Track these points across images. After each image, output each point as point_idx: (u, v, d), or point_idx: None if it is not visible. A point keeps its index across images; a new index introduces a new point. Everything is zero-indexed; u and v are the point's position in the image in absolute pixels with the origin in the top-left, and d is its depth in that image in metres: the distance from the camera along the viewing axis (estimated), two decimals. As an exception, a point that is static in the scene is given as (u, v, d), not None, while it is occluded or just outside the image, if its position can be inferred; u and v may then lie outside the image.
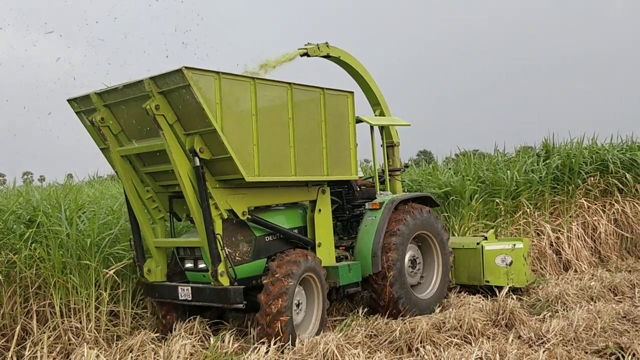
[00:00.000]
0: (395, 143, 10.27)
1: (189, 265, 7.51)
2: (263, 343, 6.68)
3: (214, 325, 7.72)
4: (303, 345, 6.74)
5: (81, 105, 7.47)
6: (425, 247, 9.28)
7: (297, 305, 7.31)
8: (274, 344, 6.63)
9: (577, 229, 12.53)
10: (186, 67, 6.29)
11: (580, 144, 14.22)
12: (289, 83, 7.35)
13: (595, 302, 8.98)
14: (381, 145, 10.08)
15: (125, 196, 7.67)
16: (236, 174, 6.77)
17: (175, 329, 7.29)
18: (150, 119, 6.66)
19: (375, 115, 10.17)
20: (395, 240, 8.52)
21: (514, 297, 8.90)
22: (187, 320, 7.50)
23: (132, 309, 8.00)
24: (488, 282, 9.92)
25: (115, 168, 7.57)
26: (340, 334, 7.04)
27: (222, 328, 7.61)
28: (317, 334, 7.37)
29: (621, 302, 9.17)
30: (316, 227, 8.06)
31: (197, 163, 6.72)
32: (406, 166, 11.63)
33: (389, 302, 8.45)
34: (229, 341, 6.85)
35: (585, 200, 13.12)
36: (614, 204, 13.44)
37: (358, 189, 9.47)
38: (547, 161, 13.23)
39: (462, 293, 9.60)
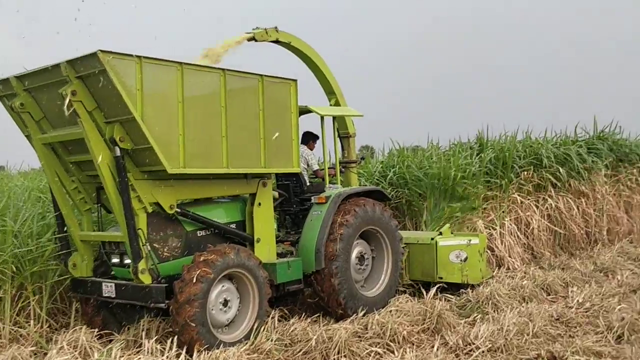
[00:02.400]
0: (350, 134, 9.88)
1: (115, 260, 7.12)
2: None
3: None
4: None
5: (3, 89, 7.03)
6: (375, 243, 8.91)
7: (224, 303, 6.93)
8: (186, 351, 6.28)
9: (510, 224, 12.21)
10: (102, 51, 5.87)
11: (514, 138, 13.94)
12: (222, 69, 6.93)
13: (527, 302, 8.65)
14: (338, 136, 9.70)
15: (50, 187, 7.26)
16: (159, 165, 6.36)
17: (58, 341, 6.65)
18: (69, 105, 6.24)
19: (331, 105, 9.76)
20: (344, 229, 8.16)
21: (444, 297, 8.64)
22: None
23: (12, 317, 7.33)
24: (442, 278, 9.57)
25: (38, 156, 7.15)
26: (244, 347, 6.62)
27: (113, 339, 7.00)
28: (248, 335, 7.01)
29: (554, 302, 8.91)
30: (255, 221, 7.67)
31: (118, 153, 6.32)
32: (362, 158, 11.21)
33: (330, 295, 8.10)
34: (116, 356, 6.15)
35: (519, 195, 12.81)
36: (547, 199, 13.20)
37: (308, 182, 9.08)
38: (481, 155, 12.85)
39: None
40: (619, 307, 8.12)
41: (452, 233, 10.11)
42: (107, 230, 7.38)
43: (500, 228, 11.89)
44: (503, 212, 12.22)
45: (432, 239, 9.71)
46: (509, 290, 8.96)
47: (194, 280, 6.48)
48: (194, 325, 6.43)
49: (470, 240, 9.76)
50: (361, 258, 8.66)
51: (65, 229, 7.33)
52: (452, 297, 8.94)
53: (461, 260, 9.62)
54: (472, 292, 8.99)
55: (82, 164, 7.09)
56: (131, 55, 6.10)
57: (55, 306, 7.75)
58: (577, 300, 8.60)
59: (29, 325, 7.29)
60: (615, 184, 15.11)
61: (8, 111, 7.17)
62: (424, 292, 8.50)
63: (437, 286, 8.69)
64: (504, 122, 18.49)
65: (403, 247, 9.35)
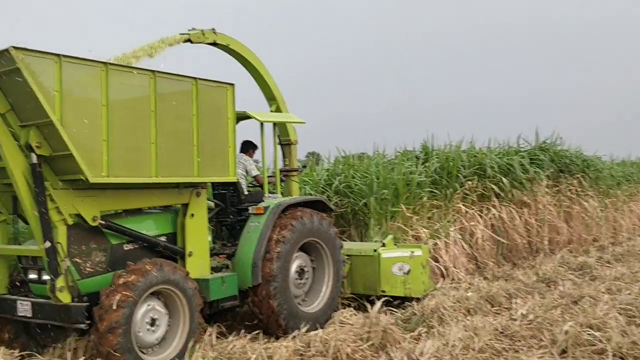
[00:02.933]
0: (291, 141, 9.52)
1: (32, 276, 6.54)
2: None
3: None
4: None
5: None
6: (315, 256, 8.54)
7: (152, 323, 6.43)
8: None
9: (455, 234, 12.08)
10: (15, 47, 5.34)
11: (458, 147, 13.97)
12: (152, 71, 6.46)
13: (472, 315, 8.45)
14: (279, 144, 9.31)
15: None
16: (79, 173, 5.84)
17: None
18: None
19: (272, 111, 9.36)
20: (279, 249, 7.75)
21: (389, 311, 8.38)
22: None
23: None
24: (384, 292, 9.26)
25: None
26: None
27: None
28: (182, 353, 6.53)
29: (499, 314, 8.73)
30: (187, 234, 7.19)
31: (34, 160, 5.78)
32: (304, 166, 10.88)
33: (269, 317, 7.69)
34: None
35: (463, 205, 12.72)
36: (491, 209, 13.23)
37: (246, 192, 8.65)
38: (426, 164, 12.80)
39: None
40: (562, 320, 7.96)
41: (395, 244, 9.83)
42: (24, 243, 6.79)
43: (445, 238, 11.74)
44: (448, 221, 12.08)
45: (375, 250, 9.40)
46: (454, 303, 8.76)
47: (114, 307, 5.97)
48: (118, 355, 5.92)
49: (413, 252, 9.50)
50: (301, 272, 8.28)
51: None
52: (396, 310, 8.68)
53: (404, 272, 9.36)
54: (417, 304, 8.74)
55: (-3, 171, 6.48)
56: (49, 53, 5.58)
57: None
58: (521, 313, 8.41)
59: None
60: (556, 194, 15.30)
61: None
62: (369, 306, 8.17)
63: (382, 299, 8.36)
64: (449, 131, 18.59)
65: (345, 259, 9.02)
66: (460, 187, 12.82)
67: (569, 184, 15.81)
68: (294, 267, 8.14)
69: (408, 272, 9.38)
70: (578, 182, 16.17)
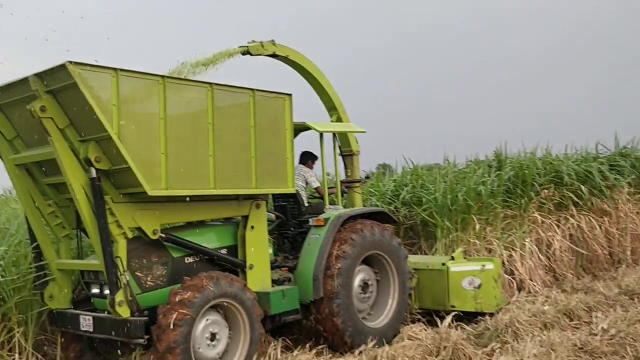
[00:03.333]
0: (353, 152, 9.33)
1: (94, 290, 6.55)
2: None
3: None
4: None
5: None
6: (379, 269, 8.29)
7: (212, 338, 6.33)
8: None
9: (531, 245, 11.48)
10: (71, 62, 5.35)
11: (533, 154, 13.32)
12: (210, 83, 6.40)
13: (549, 329, 8.00)
14: (339, 154, 9.16)
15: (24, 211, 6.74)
16: (138, 186, 5.81)
17: None
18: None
19: (332, 122, 9.21)
20: (341, 262, 7.55)
21: (459, 326, 8.00)
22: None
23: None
24: (454, 307, 8.91)
25: (10, 178, 6.63)
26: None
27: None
28: None
29: (577, 328, 8.26)
30: (247, 246, 7.09)
31: (93, 174, 5.78)
32: (367, 177, 10.64)
33: (333, 332, 7.49)
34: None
35: (539, 215, 12.13)
36: (569, 219, 12.52)
37: (306, 203, 8.50)
38: (499, 172, 12.19)
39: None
40: None
41: (465, 257, 9.47)
42: (86, 258, 6.83)
43: (521, 249, 11.21)
44: (523, 232, 11.56)
45: (443, 264, 9.06)
46: (530, 317, 8.30)
47: (172, 326, 5.89)
48: (178, 355, 5.84)
49: (484, 266, 9.10)
50: (365, 285, 8.04)
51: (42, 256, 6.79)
52: (468, 325, 8.32)
53: (474, 287, 8.97)
54: (490, 318, 8.36)
55: (59, 186, 6.55)
56: (106, 67, 5.59)
57: (46, 337, 7.17)
58: (602, 327, 7.93)
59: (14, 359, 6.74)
60: (639, 202, 14.42)
61: None
62: (439, 321, 7.88)
63: (452, 314, 8.06)
64: (523, 139, 17.85)
65: (412, 272, 8.73)
66: (536, 195, 12.26)
67: None
68: (357, 281, 7.92)
69: (479, 287, 8.99)
70: (662, 188, 15.25)
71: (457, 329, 7.70)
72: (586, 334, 7.74)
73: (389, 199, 11.40)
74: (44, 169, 6.52)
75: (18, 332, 6.85)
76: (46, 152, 6.07)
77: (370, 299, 8.17)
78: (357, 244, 7.74)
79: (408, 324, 8.37)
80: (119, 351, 6.81)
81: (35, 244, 6.75)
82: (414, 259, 9.26)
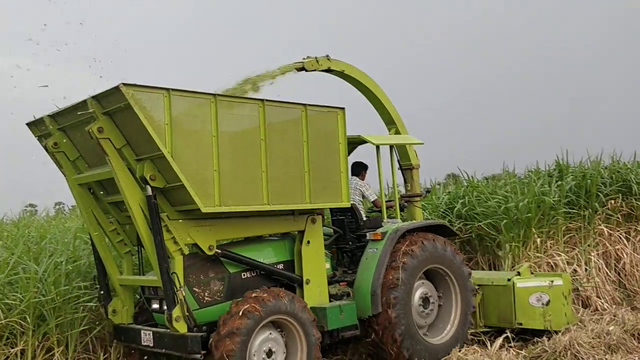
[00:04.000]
0: (413, 165, 9.21)
1: (155, 306, 6.70)
2: None
3: None
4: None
5: (39, 129, 6.85)
6: (441, 284, 8.12)
7: (269, 354, 6.35)
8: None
9: (597, 260, 10.88)
10: (124, 84, 5.53)
11: (598, 163, 12.49)
12: (261, 100, 6.47)
13: (614, 353, 7.49)
14: (398, 168, 9.07)
15: (88, 229, 6.98)
16: (192, 204, 5.93)
17: None
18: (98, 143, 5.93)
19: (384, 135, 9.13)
20: (400, 276, 7.44)
21: (513, 347, 7.63)
22: None
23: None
24: (521, 324, 8.61)
25: (74, 197, 6.89)
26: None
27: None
28: None
29: None
30: (304, 261, 7.09)
31: (149, 192, 5.93)
32: (428, 191, 10.45)
33: (392, 348, 7.37)
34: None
35: (606, 227, 11.44)
36: (639, 231, 11.75)
37: (364, 217, 8.44)
38: (560, 182, 11.54)
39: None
40: None
41: (531, 273, 9.14)
42: (147, 274, 7.00)
43: (586, 264, 10.69)
44: (588, 245, 11.02)
45: (509, 279, 8.77)
46: (593, 338, 7.79)
47: (230, 335, 5.99)
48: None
49: (552, 281, 8.75)
50: (425, 300, 7.89)
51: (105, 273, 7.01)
52: (521, 350, 7.88)
53: (543, 303, 8.62)
54: (548, 340, 7.85)
55: (120, 204, 6.75)
56: (158, 88, 5.75)
57: (88, 356, 7.27)
58: None
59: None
60: None
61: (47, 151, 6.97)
62: (489, 343, 7.57)
63: (504, 335, 7.76)
64: (587, 147, 17.00)
65: (475, 289, 8.51)
66: (602, 207, 11.62)
67: None
68: (417, 295, 7.79)
69: (547, 303, 8.64)
70: None
71: (509, 351, 7.40)
72: None
73: (443, 212, 11.04)
74: (105, 188, 6.74)
75: (57, 351, 6.94)
76: (105, 171, 6.28)
77: (431, 315, 8.01)
78: (418, 256, 7.61)
79: (469, 343, 8.15)
80: None
81: (97, 260, 6.97)
82: (478, 275, 9.01)
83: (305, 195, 6.77)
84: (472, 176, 12.36)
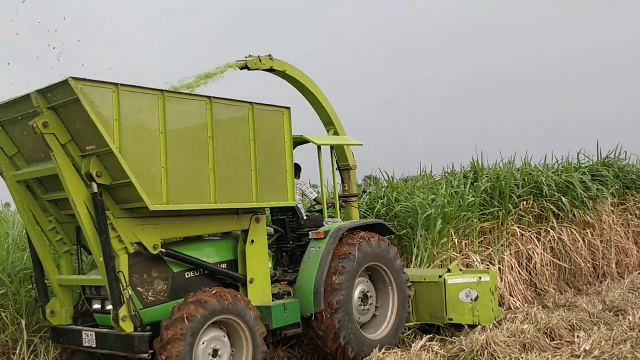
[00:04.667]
0: (350, 166, 9.40)
1: (96, 306, 6.56)
2: None
3: None
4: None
5: None
6: (378, 281, 8.33)
7: (214, 354, 6.33)
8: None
9: (510, 259, 11.23)
10: (74, 78, 5.41)
11: (511, 165, 13.03)
12: (209, 97, 6.46)
13: (529, 351, 7.60)
14: (337, 169, 9.22)
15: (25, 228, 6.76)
16: (139, 201, 5.84)
17: None
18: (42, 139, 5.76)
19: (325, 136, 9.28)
20: (342, 274, 7.58)
21: (431, 348, 7.72)
22: None
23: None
24: (451, 320, 8.95)
25: (11, 195, 6.65)
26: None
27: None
28: None
29: (559, 349, 7.87)
30: (248, 260, 7.11)
31: (95, 189, 5.81)
32: (364, 192, 10.68)
33: (334, 345, 7.49)
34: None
35: (518, 227, 11.85)
36: (549, 231, 12.26)
37: (305, 217, 8.54)
38: (476, 184, 11.92)
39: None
40: (633, 356, 7.15)
41: (460, 270, 9.50)
42: (88, 273, 6.83)
43: (499, 264, 11.05)
44: (502, 245, 11.40)
45: (440, 276, 9.09)
46: (508, 337, 7.88)
47: (174, 340, 5.94)
48: None
49: (480, 278, 9.14)
50: (364, 297, 8.08)
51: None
52: (440, 349, 7.88)
53: (472, 299, 9.00)
54: (465, 339, 7.93)
55: (59, 202, 6.57)
56: (107, 83, 5.64)
57: None
58: (585, 348, 7.58)
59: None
60: (623, 213, 14.28)
61: None
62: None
63: (427, 337, 7.98)
64: (501, 149, 17.56)
65: (409, 286, 8.77)
66: (515, 208, 12.05)
67: (637, 201, 14.65)
68: (357, 293, 7.95)
69: (476, 299, 9.02)
70: (648, 198, 14.98)
71: (428, 351, 7.53)
72: (568, 356, 7.49)
73: (364, 212, 11.14)
74: (44, 185, 6.55)
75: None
76: (47, 168, 6.10)
77: (369, 311, 8.19)
78: (359, 254, 7.78)
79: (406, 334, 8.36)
80: None
81: (35, 259, 6.77)
82: (411, 272, 9.27)
83: (252, 194, 6.80)
84: (392, 177, 12.61)
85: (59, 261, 6.83)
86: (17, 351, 7.15)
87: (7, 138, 6.38)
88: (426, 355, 7.12)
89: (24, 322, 7.31)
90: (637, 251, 14.18)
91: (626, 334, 8.14)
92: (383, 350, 7.73)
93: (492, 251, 11.23)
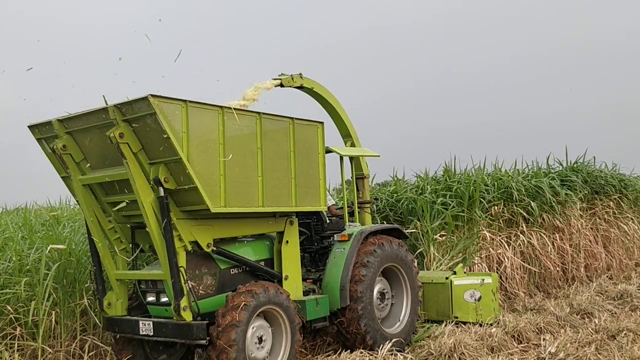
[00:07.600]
0: (365, 175, 10.21)
1: (150, 298, 7.25)
2: None
3: None
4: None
5: (42, 132, 7.24)
6: (394, 280, 9.14)
7: (259, 341, 7.08)
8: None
9: (481, 263, 11.55)
10: (152, 95, 6.13)
11: (482, 170, 13.29)
12: (258, 112, 7.23)
13: (496, 354, 7.86)
14: (351, 177, 10.02)
15: (87, 226, 7.42)
16: (202, 204, 6.58)
17: None
18: (113, 147, 6.47)
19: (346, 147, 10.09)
20: (365, 273, 8.38)
21: (399, 353, 8.03)
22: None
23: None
24: (457, 317, 9.83)
25: (76, 197, 7.33)
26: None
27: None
28: None
29: (526, 352, 8.09)
30: (283, 259, 7.87)
31: (162, 193, 6.53)
32: (376, 199, 11.51)
33: (356, 336, 8.28)
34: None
35: (489, 232, 12.11)
36: (519, 235, 12.51)
37: (328, 220, 9.33)
38: (447, 188, 12.13)
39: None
40: (597, 359, 7.48)
41: (465, 272, 10.38)
42: (143, 269, 7.52)
43: (470, 267, 11.41)
44: (473, 250, 11.73)
45: (447, 278, 9.96)
46: (476, 340, 8.13)
47: (230, 326, 6.65)
48: (233, 352, 6.60)
49: (483, 280, 10.03)
50: (382, 295, 8.85)
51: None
52: (408, 353, 8.22)
53: (475, 299, 9.88)
54: (433, 343, 8.23)
55: (118, 204, 7.26)
56: (178, 99, 6.37)
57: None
58: (550, 351, 7.82)
59: None
60: (592, 218, 14.58)
61: (46, 153, 7.36)
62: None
63: (392, 340, 8.25)
64: (471, 154, 17.64)
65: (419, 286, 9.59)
66: (485, 213, 12.22)
67: (605, 206, 14.93)
68: (375, 290, 8.75)
69: (479, 299, 9.90)
70: (615, 203, 15.26)
71: (396, 355, 7.86)
72: (534, 358, 7.71)
73: None
74: (105, 189, 7.23)
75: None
76: (114, 173, 6.81)
77: (386, 308, 8.99)
78: (379, 255, 8.60)
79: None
80: (168, 355, 7.56)
81: (95, 255, 7.44)
82: (420, 273, 10.10)
83: (291, 199, 7.57)
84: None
85: (116, 257, 7.49)
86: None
87: (75, 145, 7.04)
88: (393, 359, 7.46)
89: None
90: (605, 255, 14.53)
91: (591, 336, 8.45)
92: (351, 355, 7.98)
93: (465, 255, 11.50)
